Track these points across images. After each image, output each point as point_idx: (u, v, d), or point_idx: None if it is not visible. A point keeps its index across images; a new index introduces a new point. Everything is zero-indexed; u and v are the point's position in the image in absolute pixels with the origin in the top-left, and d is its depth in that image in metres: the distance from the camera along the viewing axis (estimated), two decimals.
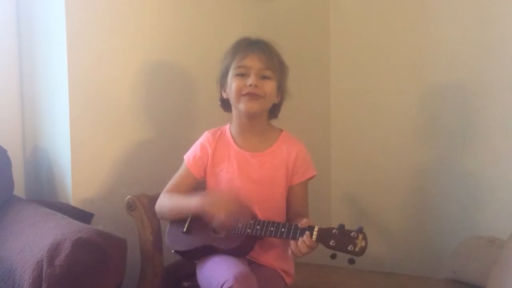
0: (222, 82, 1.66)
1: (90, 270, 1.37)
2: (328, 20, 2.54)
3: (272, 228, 1.48)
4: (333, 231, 1.40)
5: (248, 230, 1.50)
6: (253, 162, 1.64)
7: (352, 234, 1.39)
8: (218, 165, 1.66)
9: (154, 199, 1.69)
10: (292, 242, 1.44)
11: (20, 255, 1.45)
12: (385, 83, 2.38)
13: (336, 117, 2.55)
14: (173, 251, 1.64)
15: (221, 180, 1.65)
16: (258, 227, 1.50)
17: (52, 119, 1.95)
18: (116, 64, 1.92)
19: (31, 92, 2.05)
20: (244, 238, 1.51)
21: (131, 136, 1.96)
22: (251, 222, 1.51)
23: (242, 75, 1.60)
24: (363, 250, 1.38)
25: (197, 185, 1.69)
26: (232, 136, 1.68)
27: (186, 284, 1.70)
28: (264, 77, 1.60)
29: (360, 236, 1.38)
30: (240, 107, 1.61)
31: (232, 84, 1.61)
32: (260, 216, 1.56)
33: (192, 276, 1.65)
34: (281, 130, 1.71)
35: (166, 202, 1.64)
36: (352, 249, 1.38)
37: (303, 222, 1.45)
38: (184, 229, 1.59)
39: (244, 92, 1.59)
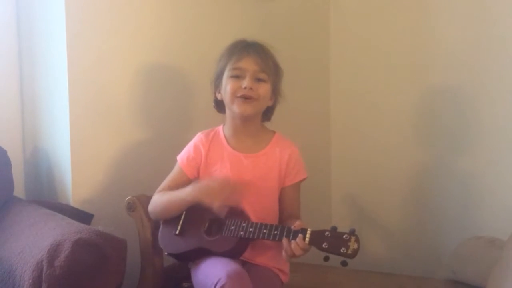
0: (217, 83, 1.67)
1: (90, 270, 1.38)
2: (328, 20, 2.53)
3: (265, 231, 1.48)
4: (325, 234, 1.40)
5: (241, 233, 1.51)
6: (246, 164, 1.64)
7: (344, 237, 1.38)
8: (212, 166, 1.66)
9: None
10: (285, 244, 1.44)
11: (20, 255, 1.45)
12: (385, 83, 2.38)
13: (336, 117, 2.55)
14: (166, 253, 1.65)
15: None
16: (251, 229, 1.50)
17: (52, 119, 1.95)
18: (116, 64, 1.92)
19: (31, 92, 2.05)
20: (237, 241, 1.52)
21: (131, 137, 1.96)
22: (244, 224, 1.51)
23: (237, 77, 1.61)
24: (355, 252, 1.37)
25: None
26: (226, 137, 1.69)
27: (186, 284, 1.70)
28: (259, 80, 1.61)
29: (353, 239, 1.38)
30: (234, 109, 1.62)
31: (227, 85, 1.62)
32: (253, 217, 1.56)
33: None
34: (274, 132, 1.71)
35: (159, 200, 1.64)
36: (345, 251, 1.37)
37: (296, 225, 1.45)
38: (177, 232, 1.60)
39: (239, 94, 1.60)
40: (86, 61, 1.85)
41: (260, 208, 1.61)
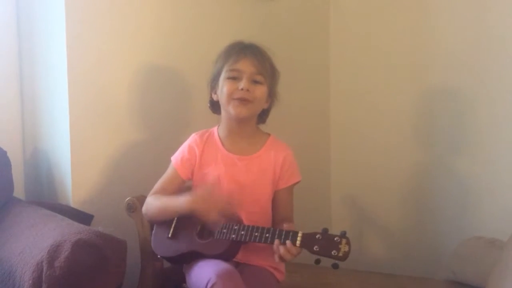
0: (213, 84, 1.67)
1: (90, 271, 1.38)
2: (328, 20, 2.53)
3: (256, 234, 1.49)
4: (316, 236, 1.41)
5: (233, 236, 1.51)
6: (240, 166, 1.64)
7: (335, 239, 1.39)
8: (206, 167, 1.66)
9: None
10: (276, 247, 1.44)
11: (20, 256, 1.46)
12: (385, 83, 2.38)
13: (336, 117, 2.55)
14: (159, 256, 1.65)
15: (207, 183, 1.64)
16: (242, 232, 1.50)
17: (52, 120, 1.95)
18: (116, 65, 1.92)
19: (31, 93, 2.05)
20: (229, 244, 1.52)
21: (131, 138, 1.96)
22: (236, 227, 1.51)
23: (234, 79, 1.60)
24: (346, 255, 1.37)
25: (184, 187, 1.68)
26: (220, 139, 1.68)
27: (185, 285, 1.70)
28: (256, 82, 1.61)
29: (344, 241, 1.38)
30: (230, 110, 1.61)
31: (224, 87, 1.61)
32: (246, 219, 1.56)
33: None
34: (269, 135, 1.71)
35: (154, 204, 1.64)
36: (336, 254, 1.37)
37: (286, 227, 1.45)
38: (169, 235, 1.60)
39: (235, 96, 1.59)
40: (86, 62, 1.86)
41: (253, 210, 1.61)
